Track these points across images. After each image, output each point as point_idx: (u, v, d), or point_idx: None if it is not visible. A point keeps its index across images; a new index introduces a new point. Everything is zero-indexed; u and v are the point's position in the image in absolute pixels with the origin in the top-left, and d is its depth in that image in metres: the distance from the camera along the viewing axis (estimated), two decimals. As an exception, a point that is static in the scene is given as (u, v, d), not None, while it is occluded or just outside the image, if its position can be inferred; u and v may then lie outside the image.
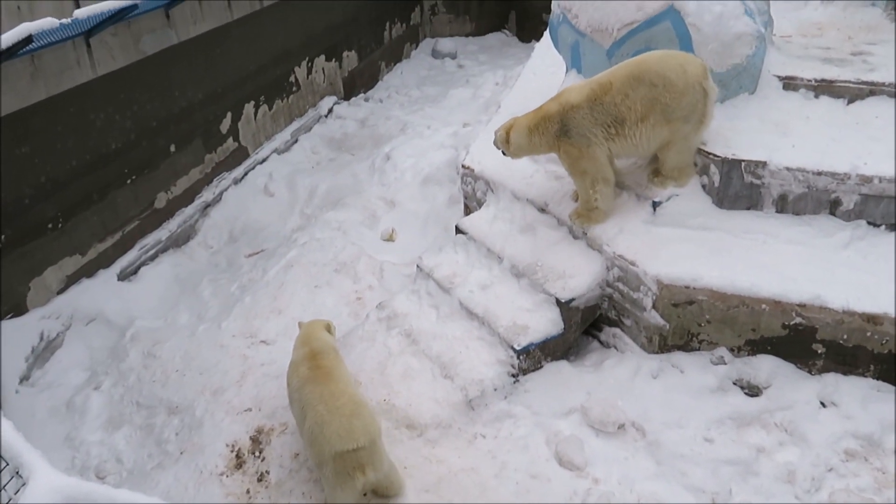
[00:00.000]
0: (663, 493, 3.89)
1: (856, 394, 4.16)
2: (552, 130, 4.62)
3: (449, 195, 6.93)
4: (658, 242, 4.73)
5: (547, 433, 4.29)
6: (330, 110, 10.04)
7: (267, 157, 8.60)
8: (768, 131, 4.97)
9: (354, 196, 7.40)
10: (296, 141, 9.19)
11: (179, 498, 4.17)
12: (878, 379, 4.25)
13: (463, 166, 6.11)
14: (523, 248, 5.17)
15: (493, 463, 4.15)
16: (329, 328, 4.55)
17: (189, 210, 7.37)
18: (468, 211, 6.18)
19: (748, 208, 4.88)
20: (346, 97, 10.71)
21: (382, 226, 6.89)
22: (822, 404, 4.20)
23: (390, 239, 6.72)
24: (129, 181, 6.61)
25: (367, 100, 10.78)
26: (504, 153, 5.06)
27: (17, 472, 2.56)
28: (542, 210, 5.34)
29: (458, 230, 5.62)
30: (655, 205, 4.94)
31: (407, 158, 7.84)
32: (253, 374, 5.02)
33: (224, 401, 4.81)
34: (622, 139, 4.58)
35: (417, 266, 5.52)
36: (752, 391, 4.40)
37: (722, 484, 3.89)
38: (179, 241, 7.11)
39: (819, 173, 4.60)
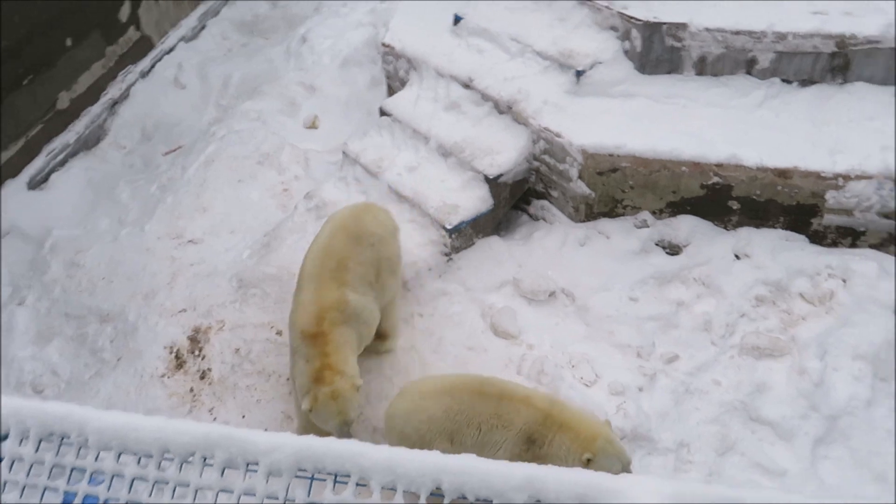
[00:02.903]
0: (592, 352, 4.14)
1: (766, 245, 4.42)
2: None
3: (371, 77, 6.67)
4: (582, 113, 4.73)
5: (482, 307, 4.43)
6: (237, -9, 9.32)
7: (174, 47, 7.99)
8: (688, -8, 4.90)
9: (271, 83, 7.03)
10: (203, 27, 8.54)
11: (123, 404, 4.19)
12: (786, 230, 4.51)
13: (383, 45, 5.85)
14: (449, 127, 5.08)
15: (431, 339, 4.29)
16: None
17: (96, 109, 6.87)
18: (391, 92, 5.98)
19: (669, 72, 4.89)
20: (254, -25, 9.94)
21: (304, 113, 6.62)
22: (737, 257, 4.46)
23: (313, 126, 6.49)
24: (25, 82, 6.09)
25: (276, -23, 10.02)
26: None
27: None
28: (467, 86, 5.21)
29: (383, 112, 5.46)
30: (579, 74, 4.90)
31: (324, 40, 7.43)
32: (183, 275, 4.92)
33: (157, 304, 4.74)
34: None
35: (343, 152, 5.39)
36: (673, 250, 4.62)
37: (646, 338, 4.15)
38: (89, 143, 6.69)
39: (737, 33, 4.61)
